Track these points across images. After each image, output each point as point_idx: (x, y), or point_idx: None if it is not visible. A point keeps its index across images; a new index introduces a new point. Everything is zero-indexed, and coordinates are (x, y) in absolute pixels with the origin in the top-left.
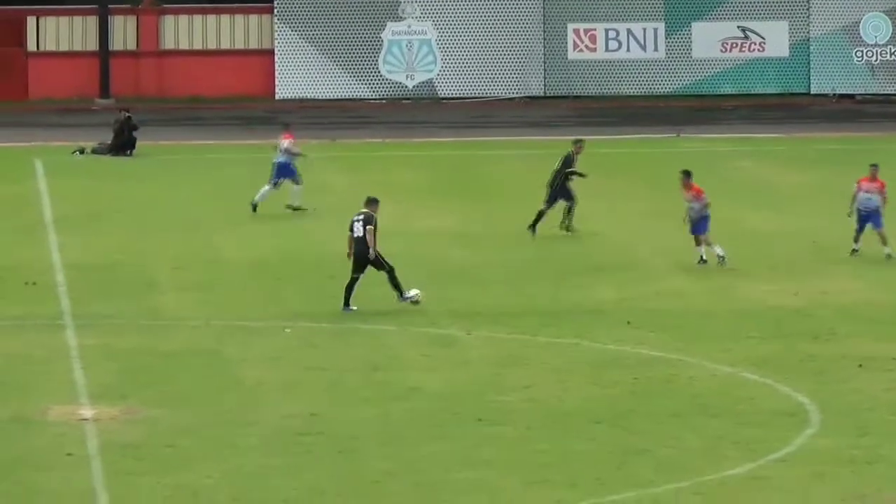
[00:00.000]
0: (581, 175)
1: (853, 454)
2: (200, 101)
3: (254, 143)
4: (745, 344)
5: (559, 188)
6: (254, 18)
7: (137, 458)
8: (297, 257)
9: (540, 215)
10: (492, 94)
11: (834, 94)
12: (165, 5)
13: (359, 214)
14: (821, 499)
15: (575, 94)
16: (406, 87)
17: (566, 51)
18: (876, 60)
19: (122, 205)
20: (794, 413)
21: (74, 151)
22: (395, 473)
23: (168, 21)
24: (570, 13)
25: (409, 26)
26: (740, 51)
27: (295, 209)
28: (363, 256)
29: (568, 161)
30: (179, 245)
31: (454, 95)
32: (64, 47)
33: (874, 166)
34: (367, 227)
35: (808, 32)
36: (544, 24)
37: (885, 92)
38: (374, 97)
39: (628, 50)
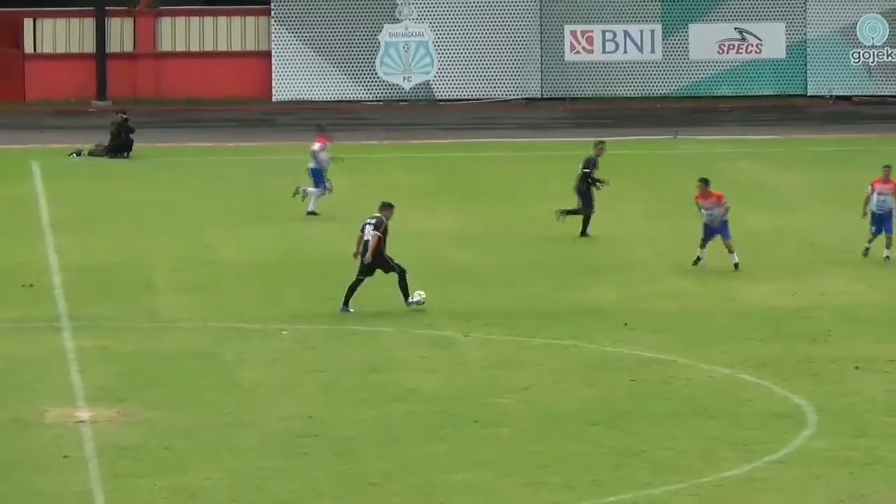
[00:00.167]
0: (605, 182)
1: (850, 455)
2: (197, 103)
3: (251, 144)
4: (742, 345)
5: (583, 194)
6: (250, 20)
7: (135, 459)
8: (295, 259)
9: (586, 221)
10: (489, 96)
11: (831, 96)
12: (162, 7)
13: (371, 217)
14: (818, 500)
15: (572, 95)
16: (403, 88)
17: (563, 52)
18: (873, 62)
19: (120, 207)
20: (792, 414)
21: (71, 153)
22: (393, 475)
23: (165, 23)
24: (566, 15)
25: (406, 28)
26: (737, 52)
27: (310, 213)
28: (370, 260)
29: (590, 163)
30: (177, 247)
31: (451, 97)
32: (61, 49)
33: (887, 167)
34: (374, 232)
35: (804, 34)
36: (541, 25)
37: (882, 93)
38: (370, 99)
39: (625, 52)
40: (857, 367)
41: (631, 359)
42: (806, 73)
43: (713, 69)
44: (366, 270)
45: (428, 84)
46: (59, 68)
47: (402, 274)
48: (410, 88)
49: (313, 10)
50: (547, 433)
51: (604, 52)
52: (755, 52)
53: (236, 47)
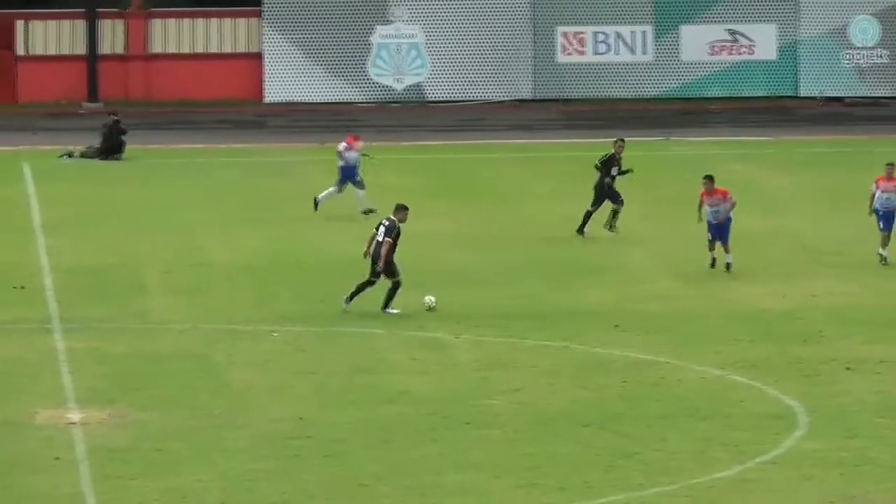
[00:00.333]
0: (629, 171)
1: (841, 456)
2: (189, 105)
3: (242, 146)
4: (733, 347)
5: (607, 190)
6: (242, 22)
7: (126, 461)
8: (286, 261)
9: (587, 216)
10: (480, 98)
11: (822, 97)
12: (153, 9)
13: (385, 220)
14: (809, 501)
15: (564, 97)
16: (395, 90)
17: (555, 54)
18: (864, 63)
19: (111, 208)
20: (783, 415)
21: (62, 155)
22: (384, 476)
23: (156, 25)
24: (558, 16)
25: (398, 30)
26: (729, 54)
27: (367, 212)
28: (382, 268)
29: (610, 161)
30: (168, 249)
31: (443, 99)
32: (52, 51)
33: (890, 165)
34: (386, 238)
35: (796, 35)
36: (533, 27)
37: (874, 95)
38: (362, 100)
39: (617, 53)
40: (848, 368)
41: (623, 360)
42: (797, 74)
43: (705, 70)
44: (377, 273)
45: (420, 85)
46: (51, 70)
47: (396, 286)
48: (402, 90)
49: (305, 11)
50: (539, 435)
51: (595, 53)
52: (747, 53)
53: (227, 49)
